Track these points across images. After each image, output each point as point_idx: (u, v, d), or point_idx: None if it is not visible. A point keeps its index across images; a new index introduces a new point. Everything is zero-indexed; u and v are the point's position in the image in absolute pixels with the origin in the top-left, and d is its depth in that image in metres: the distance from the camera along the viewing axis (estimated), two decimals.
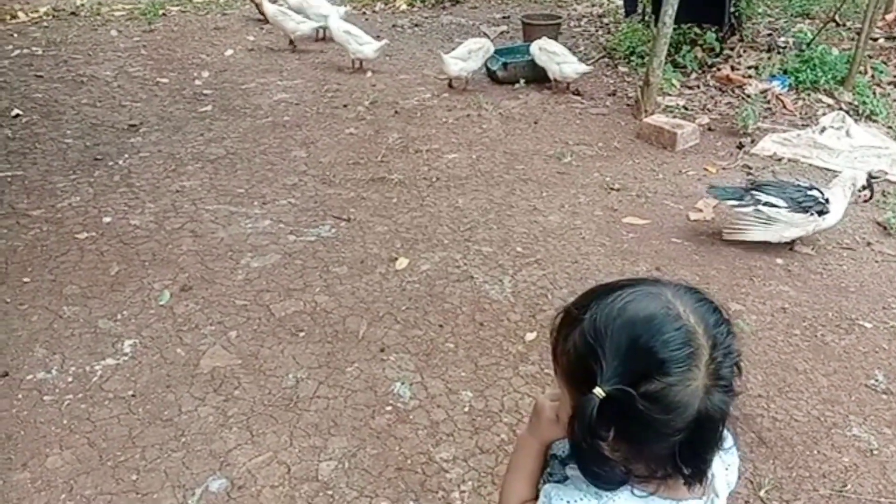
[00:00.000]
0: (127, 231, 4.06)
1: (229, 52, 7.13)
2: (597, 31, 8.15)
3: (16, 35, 7.36)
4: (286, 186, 4.60)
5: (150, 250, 3.89)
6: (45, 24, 7.78)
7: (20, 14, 7.89)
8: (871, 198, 4.03)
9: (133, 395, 2.93)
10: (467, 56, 6.17)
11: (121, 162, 4.86)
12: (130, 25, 7.82)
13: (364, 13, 8.70)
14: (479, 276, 3.75)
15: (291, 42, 7.18)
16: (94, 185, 4.53)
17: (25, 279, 3.62)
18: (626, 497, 1.11)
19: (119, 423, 2.80)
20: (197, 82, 6.33)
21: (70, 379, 3.00)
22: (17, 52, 6.88)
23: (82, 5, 8.35)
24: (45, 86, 6.11)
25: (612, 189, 4.66)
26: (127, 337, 3.25)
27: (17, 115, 5.48)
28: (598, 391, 1.02)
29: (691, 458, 1.07)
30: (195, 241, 3.99)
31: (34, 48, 6.99)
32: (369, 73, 6.61)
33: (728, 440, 1.21)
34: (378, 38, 6.93)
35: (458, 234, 4.12)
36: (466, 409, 2.91)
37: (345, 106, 5.88)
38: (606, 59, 7.08)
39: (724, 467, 1.24)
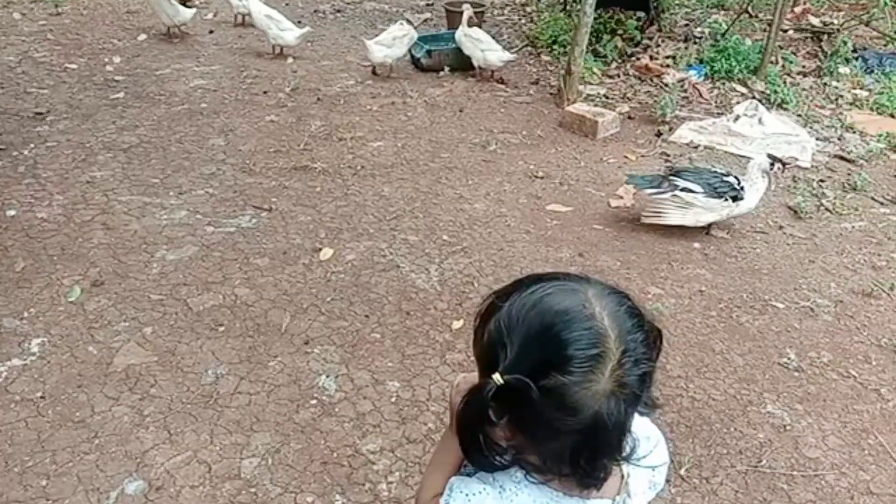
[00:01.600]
0: (33, 224, 3.85)
1: (142, 36, 6.84)
2: (520, 19, 8.20)
3: None
4: (203, 176, 4.45)
5: (58, 244, 3.70)
6: None
7: None
8: (784, 168, 4.19)
9: (42, 397, 2.78)
10: (392, 42, 6.10)
11: (26, 152, 4.60)
12: (35, 8, 7.40)
13: None
14: (406, 265, 3.71)
15: (168, 30, 6.76)
16: None
17: None
18: (528, 492, 1.10)
19: (27, 426, 2.65)
20: (108, 68, 6.05)
21: None
22: None
23: None
24: None
25: (535, 177, 4.69)
26: (34, 336, 3.08)
27: None
28: (497, 377, 1.01)
29: (583, 462, 1.05)
30: (107, 233, 3.82)
31: None
32: (290, 59, 6.46)
33: (652, 441, 1.21)
34: (299, 23, 6.78)
35: (384, 224, 4.07)
36: (393, 400, 2.88)
37: (265, 93, 5.73)
38: (529, 48, 7.13)
39: (651, 468, 1.22)
